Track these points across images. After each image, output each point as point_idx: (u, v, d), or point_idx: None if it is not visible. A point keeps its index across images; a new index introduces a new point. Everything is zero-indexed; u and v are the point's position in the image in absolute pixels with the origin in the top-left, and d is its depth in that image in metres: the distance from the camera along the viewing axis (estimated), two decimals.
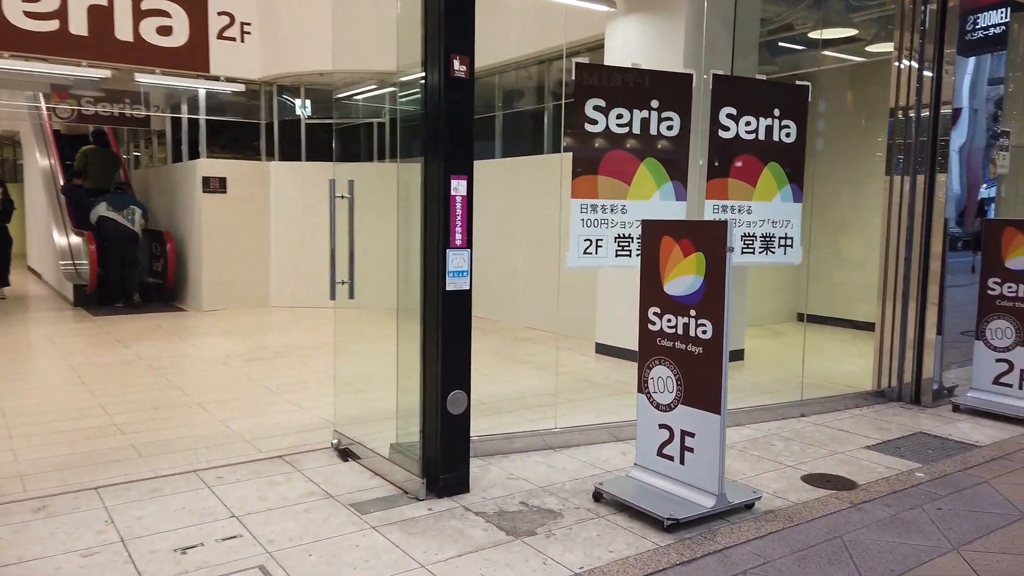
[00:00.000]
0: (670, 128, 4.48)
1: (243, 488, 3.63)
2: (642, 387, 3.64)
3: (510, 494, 3.60)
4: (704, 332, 3.30)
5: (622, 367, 6.55)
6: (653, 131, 4.44)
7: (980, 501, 3.57)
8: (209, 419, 4.90)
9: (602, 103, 4.28)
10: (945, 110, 5.33)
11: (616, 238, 4.42)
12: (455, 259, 3.51)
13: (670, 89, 4.44)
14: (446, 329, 3.51)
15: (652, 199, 4.50)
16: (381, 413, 4.70)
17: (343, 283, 4.15)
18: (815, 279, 8.84)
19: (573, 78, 4.18)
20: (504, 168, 9.33)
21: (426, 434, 3.61)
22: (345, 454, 4.17)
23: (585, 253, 4.34)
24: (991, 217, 5.83)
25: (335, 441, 4.28)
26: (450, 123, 3.44)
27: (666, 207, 4.52)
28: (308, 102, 10.86)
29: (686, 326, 3.38)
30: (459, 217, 3.52)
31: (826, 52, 8.40)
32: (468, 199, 3.54)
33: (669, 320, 3.47)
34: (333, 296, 4.10)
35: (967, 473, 3.95)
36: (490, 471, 3.92)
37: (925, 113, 5.38)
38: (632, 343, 7.08)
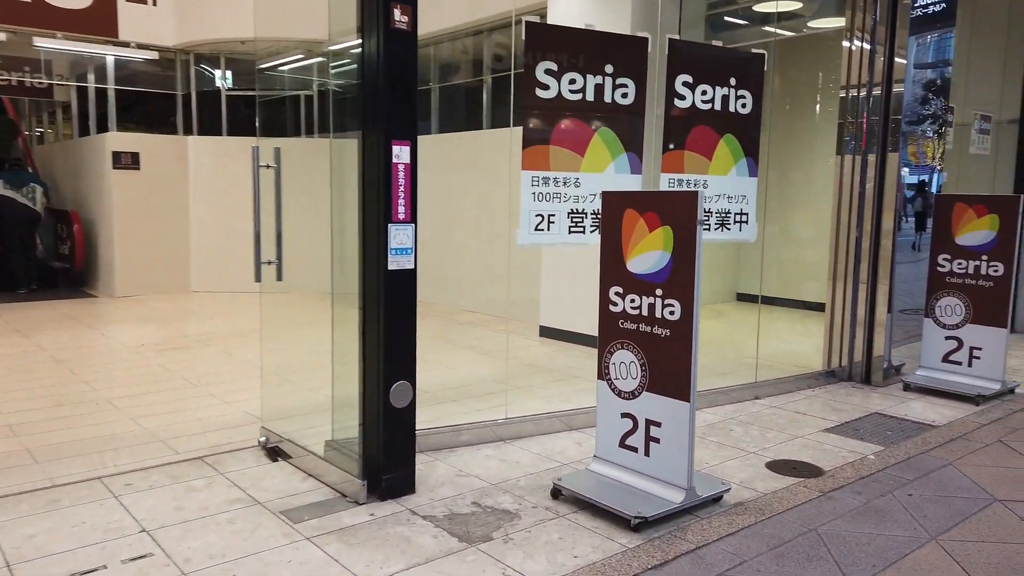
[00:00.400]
0: (625, 96, 4.20)
1: (156, 497, 3.20)
2: (602, 373, 3.36)
3: (460, 494, 3.27)
4: (672, 313, 3.04)
5: (569, 351, 6.30)
6: (607, 99, 4.15)
7: (948, 485, 3.44)
8: (119, 417, 4.40)
9: (554, 67, 3.96)
10: (897, 88, 5.21)
11: (569, 213, 4.12)
12: (398, 235, 3.15)
13: (625, 54, 4.16)
14: (389, 313, 3.15)
15: (606, 172, 4.22)
16: (314, 406, 4.33)
17: (269, 263, 3.73)
18: (756, 258, 8.77)
19: (523, 39, 3.84)
20: (440, 144, 8.93)
21: (366, 430, 3.25)
22: (274, 453, 3.77)
23: (537, 230, 4.03)
24: (941, 193, 5.78)
25: (263, 439, 3.86)
26: (391, 81, 3.06)
27: (621, 180, 4.25)
28: (229, 72, 10.19)
29: (651, 307, 3.11)
30: (402, 188, 3.15)
31: (766, 28, 8.28)
32: (412, 168, 3.17)
33: (632, 301, 3.19)
34: (258, 278, 3.68)
35: (930, 455, 3.83)
36: (437, 468, 3.59)
37: (877, 91, 5.25)
38: (578, 325, 6.91)
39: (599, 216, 4.23)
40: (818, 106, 8.49)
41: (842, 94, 5.39)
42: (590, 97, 4.09)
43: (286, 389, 4.98)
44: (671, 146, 4.45)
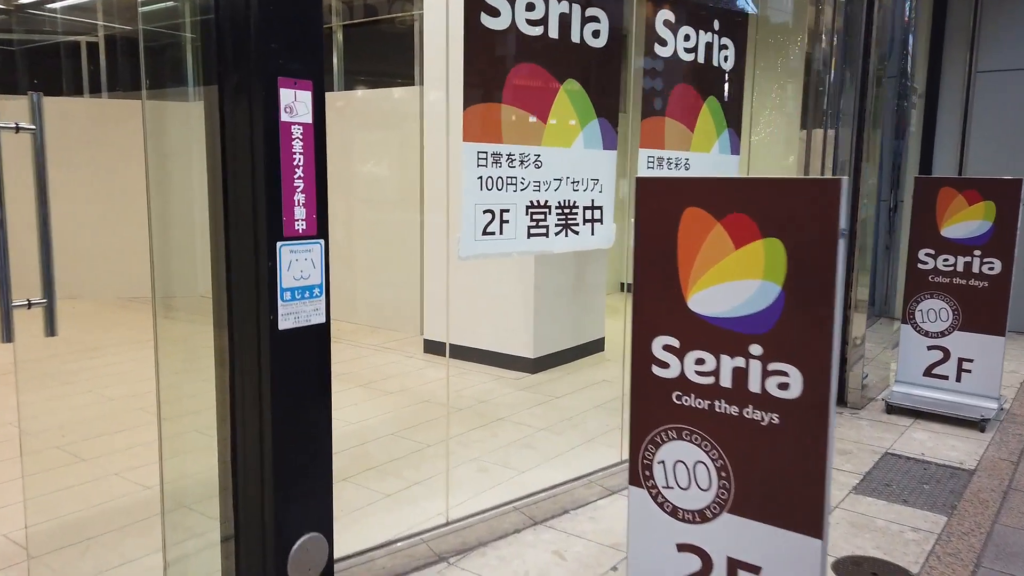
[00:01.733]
0: (596, 35, 2.90)
1: None
2: (639, 476, 2.07)
3: None
4: (784, 387, 1.80)
5: (471, 375, 4.95)
6: (575, 37, 2.84)
7: None
8: None
9: None
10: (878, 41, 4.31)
11: (528, 207, 2.78)
12: (297, 262, 1.65)
13: None
14: (283, 411, 1.65)
15: (574, 145, 2.91)
16: (128, 507, 2.73)
17: (30, 306, 2.06)
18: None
19: None
20: None
21: None
22: None
23: (486, 233, 2.65)
24: (923, 175, 5.02)
25: None
26: None
27: (591, 158, 2.96)
28: None
29: (741, 374, 1.86)
30: (300, 171, 1.65)
31: None
32: (317, 131, 1.68)
33: (701, 362, 1.92)
34: (8, 336, 2.00)
35: (1004, 526, 2.93)
36: None
37: (851, 42, 4.32)
38: (480, 340, 5.53)
39: (566, 210, 2.93)
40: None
41: (809, 51, 4.41)
42: (554, 33, 2.76)
43: (73, 478, 3.23)
44: (650, 111, 3.22)
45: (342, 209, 6.38)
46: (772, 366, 1.81)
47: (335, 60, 6.95)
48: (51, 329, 2.09)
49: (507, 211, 2.71)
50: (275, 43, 1.56)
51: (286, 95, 1.60)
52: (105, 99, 7.89)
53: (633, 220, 3.22)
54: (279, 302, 1.61)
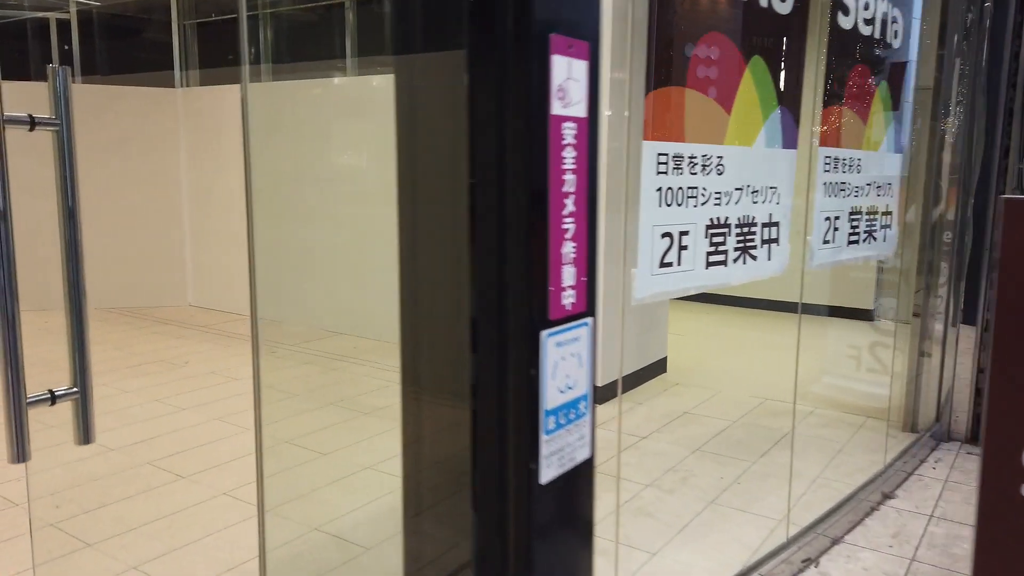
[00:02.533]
0: None
1: None
2: None
3: None
4: None
5: None
6: (763, 0, 2.15)
7: None
8: None
9: None
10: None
11: (708, 227, 2.08)
12: (563, 362, 0.92)
13: None
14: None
15: (756, 143, 2.22)
16: None
17: (54, 400, 1.31)
18: None
19: None
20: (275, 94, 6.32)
21: None
22: None
23: (663, 265, 1.95)
24: None
25: None
26: None
27: (770, 160, 2.28)
28: None
29: None
30: (572, 204, 0.93)
31: None
32: (591, 134, 0.95)
33: None
34: (21, 456, 1.24)
35: None
36: None
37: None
38: None
39: (744, 229, 2.24)
40: None
41: (942, 23, 3.76)
42: None
43: None
44: (830, 98, 2.54)
45: (347, 207, 5.61)
46: None
47: (347, 43, 6.16)
48: (85, 435, 1.34)
49: (686, 233, 2.01)
50: None
51: (559, 67, 0.87)
52: (79, 84, 6.97)
53: (808, 238, 2.54)
54: (541, 437, 0.90)
